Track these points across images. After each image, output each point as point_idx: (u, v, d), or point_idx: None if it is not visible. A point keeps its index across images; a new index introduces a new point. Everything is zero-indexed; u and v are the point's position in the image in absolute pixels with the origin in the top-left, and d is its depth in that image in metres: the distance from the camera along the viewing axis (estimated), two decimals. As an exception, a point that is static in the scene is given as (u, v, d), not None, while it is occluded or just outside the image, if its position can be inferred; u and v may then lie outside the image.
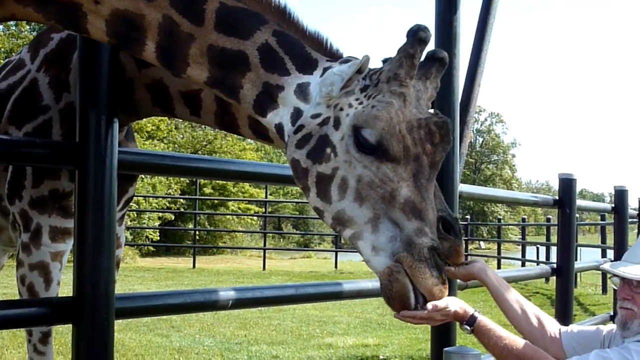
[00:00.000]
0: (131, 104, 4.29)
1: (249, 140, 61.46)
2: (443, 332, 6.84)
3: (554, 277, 9.47)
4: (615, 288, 3.69)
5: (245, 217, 38.42)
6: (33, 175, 4.35)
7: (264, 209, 35.47)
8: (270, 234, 33.75)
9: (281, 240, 39.06)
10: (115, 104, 4.01)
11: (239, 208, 39.50)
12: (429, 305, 2.97)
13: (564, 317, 8.96)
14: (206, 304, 5.03)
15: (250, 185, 39.51)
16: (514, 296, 3.52)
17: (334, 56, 3.32)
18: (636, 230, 20.28)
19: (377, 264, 2.97)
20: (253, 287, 5.70)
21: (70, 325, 3.95)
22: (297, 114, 3.16)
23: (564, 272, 9.59)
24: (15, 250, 5.10)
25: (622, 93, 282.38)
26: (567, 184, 9.69)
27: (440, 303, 3.02)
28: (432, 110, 3.14)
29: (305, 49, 3.27)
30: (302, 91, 3.15)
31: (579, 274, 20.16)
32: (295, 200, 45.25)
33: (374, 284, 6.84)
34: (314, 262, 32.11)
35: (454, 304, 3.28)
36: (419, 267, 2.84)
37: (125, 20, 3.38)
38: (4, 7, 3.55)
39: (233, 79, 3.29)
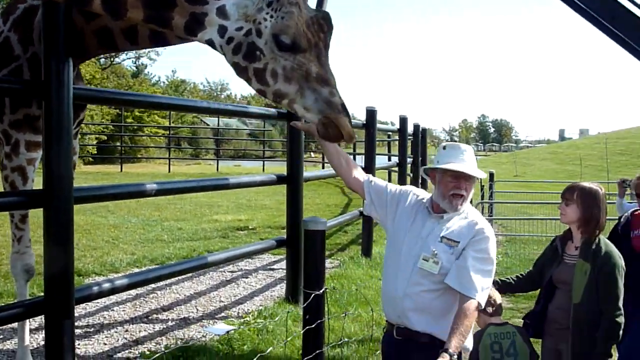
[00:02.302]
0: (81, 49, 4.06)
1: (158, 87, 59.82)
2: (295, 210, 6.81)
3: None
4: (425, 177, 3.62)
5: (156, 137, 37.52)
6: (11, 104, 4.20)
7: (168, 132, 34.92)
8: (173, 149, 33.09)
9: (180, 152, 38.33)
10: (69, 50, 3.83)
11: (151, 131, 38.68)
12: None
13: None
14: (135, 193, 4.93)
15: (158, 115, 38.85)
16: (335, 149, 3.47)
17: None
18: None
19: (311, 117, 3.08)
20: (167, 181, 5.57)
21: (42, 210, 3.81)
22: (222, 29, 3.10)
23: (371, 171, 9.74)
24: None
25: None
26: (370, 114, 9.77)
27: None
28: (313, 8, 3.19)
29: None
30: (222, 12, 3.08)
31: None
32: (189, 126, 44.99)
33: (243, 180, 6.75)
34: (202, 168, 31.78)
35: None
36: (342, 118, 2.97)
37: None
38: None
39: (165, 14, 3.16)
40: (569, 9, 7.35)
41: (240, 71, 3.16)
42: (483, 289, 2.97)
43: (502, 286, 3.96)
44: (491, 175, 15.42)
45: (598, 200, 3.62)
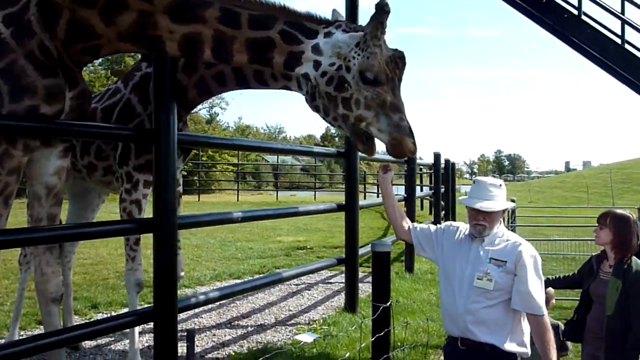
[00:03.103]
0: (185, 102, 4.30)
1: (228, 131, 60.40)
2: (351, 233, 6.75)
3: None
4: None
5: (226, 172, 38.01)
6: (135, 152, 4.42)
7: (236, 168, 35.35)
8: (240, 181, 33.37)
9: (245, 185, 38.62)
10: (174, 104, 3.88)
11: (222, 168, 39.21)
12: None
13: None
14: (225, 220, 4.96)
15: (228, 154, 39.37)
16: (393, 201, 3.53)
17: (323, 22, 3.32)
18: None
19: (383, 138, 3.20)
20: (250, 210, 5.59)
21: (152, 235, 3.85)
22: (317, 64, 3.22)
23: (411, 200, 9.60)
24: (108, 193, 5.72)
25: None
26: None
27: None
28: (392, 48, 3.28)
29: (306, 25, 3.26)
30: (316, 50, 3.21)
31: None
32: (252, 162, 45.61)
33: (310, 208, 6.74)
34: (264, 197, 31.91)
35: None
36: (405, 139, 3.15)
37: (189, 39, 3.20)
38: (112, 45, 3.32)
39: (266, 55, 3.25)
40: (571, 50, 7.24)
41: (331, 100, 3.25)
42: (542, 300, 2.89)
43: (546, 282, 3.91)
44: (512, 200, 15.10)
45: (629, 225, 3.51)
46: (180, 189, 4.91)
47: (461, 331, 2.98)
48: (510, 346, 2.88)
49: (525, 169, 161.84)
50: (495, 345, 2.87)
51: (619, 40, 6.97)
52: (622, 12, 7.17)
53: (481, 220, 3.03)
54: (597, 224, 3.64)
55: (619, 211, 3.66)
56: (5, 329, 5.47)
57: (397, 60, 3.19)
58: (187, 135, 4.28)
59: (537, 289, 2.87)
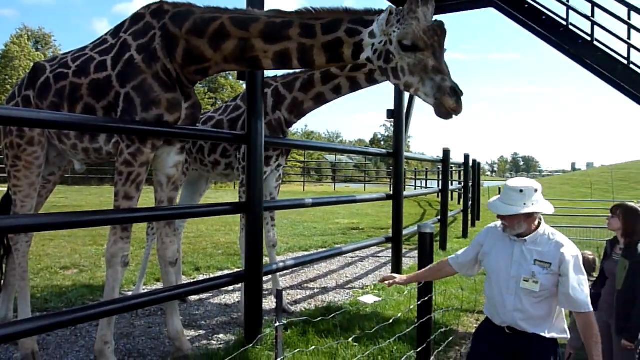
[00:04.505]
0: (300, 112, 4.71)
1: (297, 136, 60.37)
2: (397, 217, 6.66)
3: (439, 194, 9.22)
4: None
5: (295, 167, 38.23)
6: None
7: (303, 164, 35.54)
8: (306, 175, 33.46)
9: (309, 177, 38.68)
10: (262, 113, 3.89)
11: (292, 164, 39.40)
12: None
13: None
14: (299, 205, 4.95)
15: (295, 153, 39.41)
16: (424, 273, 3.03)
17: (378, 13, 3.10)
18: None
19: (430, 101, 2.87)
20: (319, 197, 5.53)
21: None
22: (372, 47, 3.03)
23: (443, 192, 9.39)
24: (213, 182, 5.92)
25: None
26: (445, 153, 9.48)
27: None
28: (433, 19, 3.02)
29: (364, 18, 3.08)
30: (372, 35, 3.02)
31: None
32: (315, 160, 45.79)
33: (365, 197, 6.69)
34: (324, 188, 31.91)
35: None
36: (446, 98, 2.79)
37: (280, 55, 3.18)
38: (219, 66, 3.36)
39: (338, 52, 3.13)
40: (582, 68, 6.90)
41: (382, 73, 3.05)
42: (587, 297, 2.47)
43: None
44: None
45: (637, 215, 3.30)
46: (279, 183, 4.99)
47: (508, 324, 2.60)
48: (553, 333, 2.53)
49: (538, 168, 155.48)
50: (540, 335, 2.53)
51: (625, 61, 6.61)
52: (629, 37, 6.83)
53: (504, 221, 2.60)
54: (610, 214, 3.44)
55: (628, 203, 3.45)
56: (132, 284, 5.70)
57: (436, 28, 2.90)
58: (271, 138, 4.29)
59: (581, 288, 2.47)
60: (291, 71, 4.65)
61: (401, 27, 2.91)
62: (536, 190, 2.55)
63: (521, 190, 2.56)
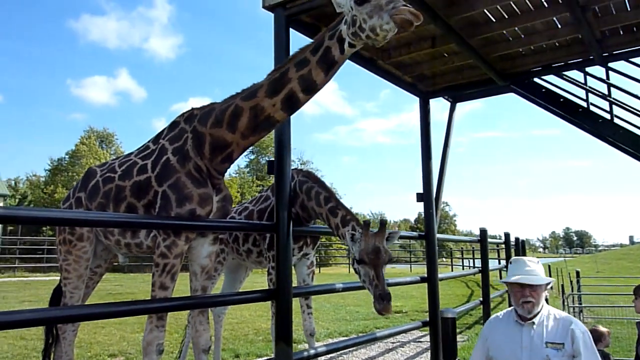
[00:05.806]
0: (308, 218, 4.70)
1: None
2: (432, 300, 6.48)
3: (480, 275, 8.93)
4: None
5: (340, 250, 37.97)
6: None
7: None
8: (351, 257, 33.01)
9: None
10: (289, 205, 4.02)
11: (337, 247, 39.24)
12: None
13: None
14: (328, 290, 4.96)
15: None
16: None
17: None
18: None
19: (390, 27, 2.68)
20: (350, 282, 5.54)
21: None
22: (346, 25, 2.97)
23: (485, 272, 9.10)
24: (252, 269, 5.92)
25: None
26: (482, 232, 9.31)
27: None
28: None
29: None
30: (345, 21, 2.98)
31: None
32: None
33: (399, 280, 6.59)
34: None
35: None
36: (402, 8, 2.62)
37: (287, 98, 3.22)
38: (240, 146, 3.49)
39: (330, 57, 3.07)
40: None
41: (354, 35, 2.93)
42: None
43: None
44: (577, 272, 13.79)
45: None
46: (314, 268, 5.07)
47: None
48: None
49: (592, 242, 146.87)
50: None
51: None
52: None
53: (528, 296, 2.51)
54: (633, 295, 3.30)
55: None
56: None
57: None
58: (298, 228, 4.44)
59: None
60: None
61: None
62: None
63: (538, 262, 2.62)
